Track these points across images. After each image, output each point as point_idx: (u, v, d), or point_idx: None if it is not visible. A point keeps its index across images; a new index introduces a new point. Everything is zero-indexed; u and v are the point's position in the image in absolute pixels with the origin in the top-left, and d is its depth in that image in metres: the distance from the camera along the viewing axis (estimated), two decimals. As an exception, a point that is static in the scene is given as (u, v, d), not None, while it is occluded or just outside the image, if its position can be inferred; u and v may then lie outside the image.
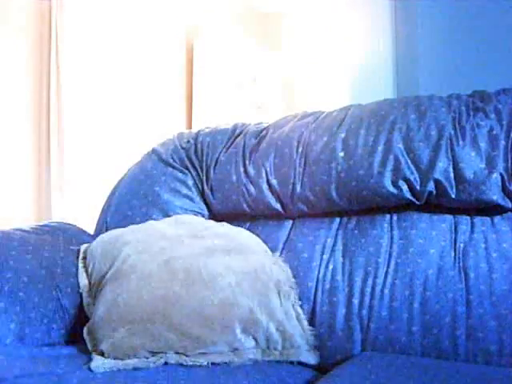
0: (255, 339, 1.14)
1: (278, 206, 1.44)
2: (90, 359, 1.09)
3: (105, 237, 1.37)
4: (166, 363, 1.09)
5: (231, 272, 1.19)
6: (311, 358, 1.18)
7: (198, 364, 1.08)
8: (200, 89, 4.09)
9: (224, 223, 1.42)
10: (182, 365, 1.08)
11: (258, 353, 1.14)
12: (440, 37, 1.78)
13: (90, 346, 1.16)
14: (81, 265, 1.35)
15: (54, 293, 1.25)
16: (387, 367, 1.03)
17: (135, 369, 1.06)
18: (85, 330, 1.19)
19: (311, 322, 1.25)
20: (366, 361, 1.08)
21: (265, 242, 1.38)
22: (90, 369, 1.04)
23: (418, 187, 1.30)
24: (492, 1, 1.73)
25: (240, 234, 1.35)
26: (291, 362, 1.16)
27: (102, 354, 1.10)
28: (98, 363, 1.06)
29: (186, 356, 1.09)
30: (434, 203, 1.32)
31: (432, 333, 1.15)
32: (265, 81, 4.44)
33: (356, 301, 1.24)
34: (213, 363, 1.09)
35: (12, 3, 3.12)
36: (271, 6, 4.71)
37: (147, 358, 1.08)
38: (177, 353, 1.10)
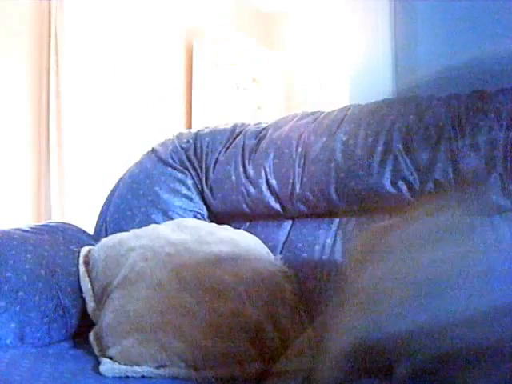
0: (261, 350, 1.10)
1: (277, 206, 1.44)
2: (97, 362, 1.07)
3: (108, 241, 1.35)
4: (174, 375, 1.04)
5: (239, 281, 1.17)
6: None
7: (207, 379, 1.03)
8: (200, 89, 4.10)
9: (227, 227, 1.41)
10: (190, 378, 1.04)
11: (263, 363, 1.09)
12: (440, 37, 1.78)
13: (96, 351, 1.13)
14: (83, 269, 1.32)
15: (54, 292, 1.25)
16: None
17: (144, 377, 1.03)
18: (91, 335, 1.18)
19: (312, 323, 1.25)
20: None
21: (264, 242, 1.38)
22: (99, 372, 1.03)
23: (417, 187, 1.30)
24: (492, 0, 1.73)
25: (245, 239, 1.34)
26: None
27: (110, 358, 1.08)
28: (108, 367, 1.04)
29: (195, 370, 1.05)
30: (434, 203, 1.32)
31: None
32: (265, 81, 4.45)
33: (355, 301, 1.24)
34: (221, 378, 1.04)
35: (12, 4, 3.12)
36: (271, 6, 4.71)
37: (158, 369, 1.05)
38: (187, 365, 1.05)
